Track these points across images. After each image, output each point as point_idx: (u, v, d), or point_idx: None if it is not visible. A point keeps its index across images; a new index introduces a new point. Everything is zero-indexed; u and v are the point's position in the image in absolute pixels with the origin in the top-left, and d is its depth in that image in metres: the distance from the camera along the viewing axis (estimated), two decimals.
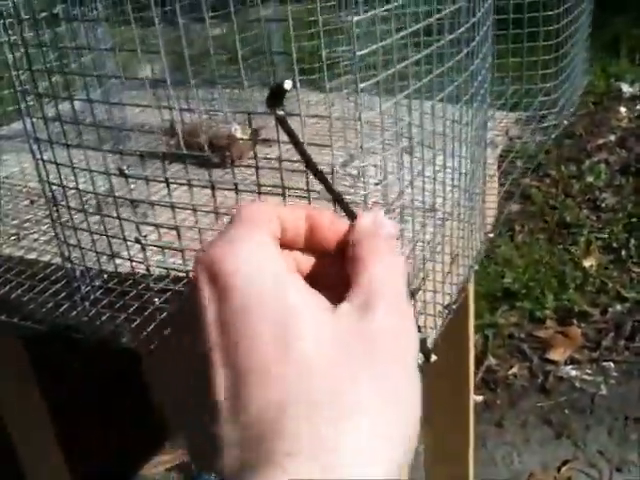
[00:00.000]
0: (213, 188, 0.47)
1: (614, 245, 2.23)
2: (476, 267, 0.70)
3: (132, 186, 0.51)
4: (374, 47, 0.39)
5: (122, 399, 1.52)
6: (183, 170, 0.48)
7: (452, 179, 0.55)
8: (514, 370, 1.82)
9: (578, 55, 0.91)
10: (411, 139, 0.49)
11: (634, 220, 2.33)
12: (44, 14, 0.48)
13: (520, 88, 0.81)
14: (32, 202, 0.85)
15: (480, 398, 1.73)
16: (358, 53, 0.37)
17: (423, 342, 0.51)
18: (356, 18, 0.37)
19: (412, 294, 0.54)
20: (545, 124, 0.81)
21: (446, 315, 0.62)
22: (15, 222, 0.79)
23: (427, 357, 0.52)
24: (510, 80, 0.80)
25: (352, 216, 0.34)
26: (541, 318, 1.96)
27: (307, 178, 0.40)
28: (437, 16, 0.44)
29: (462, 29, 0.46)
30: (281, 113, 0.34)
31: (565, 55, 0.81)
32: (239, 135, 0.83)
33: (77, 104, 0.49)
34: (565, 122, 0.83)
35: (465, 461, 1.30)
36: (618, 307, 1.98)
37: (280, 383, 0.26)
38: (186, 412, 0.29)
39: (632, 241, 2.23)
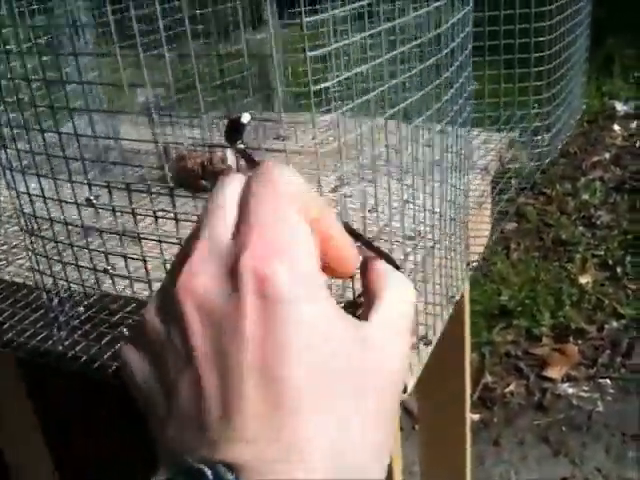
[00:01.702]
0: (177, 220, 0.48)
1: (610, 262, 2.24)
2: (457, 297, 0.68)
3: (119, 215, 0.52)
4: (328, 49, 0.40)
5: (117, 407, 1.52)
6: (180, 198, 0.49)
7: (423, 205, 0.55)
8: (511, 388, 1.82)
9: (574, 80, 0.92)
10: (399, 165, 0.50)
11: (629, 237, 2.35)
12: (28, 44, 0.49)
13: (512, 114, 0.82)
14: (21, 228, 0.86)
15: (477, 416, 1.73)
16: (309, 54, 0.38)
17: None
18: (307, 19, 0.37)
19: None
20: (538, 150, 0.82)
21: (424, 346, 0.62)
22: (4, 247, 0.80)
23: (404, 386, 0.52)
24: (503, 105, 0.82)
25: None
26: (537, 335, 1.97)
27: None
28: (413, 43, 0.45)
29: (438, 56, 0.47)
30: (241, 147, 0.33)
31: (558, 81, 0.82)
32: (230, 160, 0.83)
33: (67, 129, 0.49)
34: (559, 146, 0.84)
35: None
36: (614, 324, 1.98)
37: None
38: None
39: (628, 258, 2.24)
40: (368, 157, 0.47)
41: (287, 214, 0.28)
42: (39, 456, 1.16)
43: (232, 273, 0.27)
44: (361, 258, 0.33)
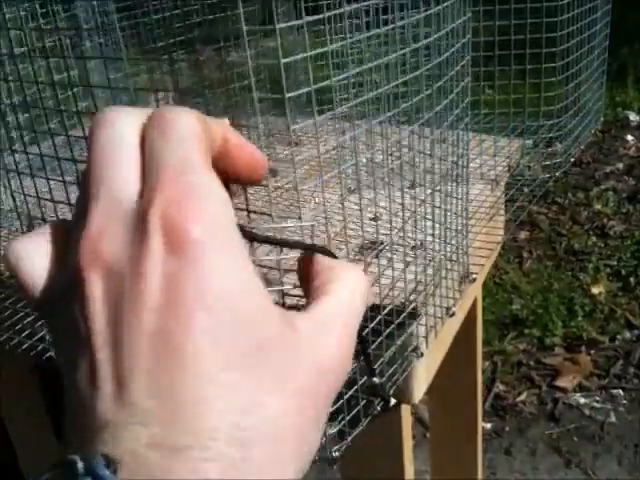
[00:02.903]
0: None
1: (622, 272, 2.23)
2: (454, 310, 0.64)
3: None
4: (299, 56, 0.40)
5: None
6: None
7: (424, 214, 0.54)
8: (523, 397, 1.81)
9: (590, 91, 0.92)
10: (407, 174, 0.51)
11: None
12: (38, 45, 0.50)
13: (524, 124, 0.82)
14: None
15: (488, 425, 1.72)
16: (283, 60, 0.38)
17: (381, 387, 0.51)
18: (279, 25, 0.38)
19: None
20: (549, 162, 0.82)
21: (417, 356, 0.61)
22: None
23: (386, 401, 0.53)
24: (513, 116, 0.82)
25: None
26: (550, 345, 1.96)
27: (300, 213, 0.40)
28: (407, 49, 0.45)
29: (429, 65, 0.48)
30: None
31: (572, 91, 0.81)
32: None
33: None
34: (573, 158, 0.84)
35: None
36: (627, 334, 1.97)
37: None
38: None
39: None
40: (367, 165, 0.48)
41: (195, 160, 0.24)
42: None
43: (140, 228, 0.23)
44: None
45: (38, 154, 0.50)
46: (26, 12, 0.48)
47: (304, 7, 0.40)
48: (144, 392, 0.21)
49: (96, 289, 0.23)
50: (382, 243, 0.61)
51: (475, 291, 1.04)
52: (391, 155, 0.51)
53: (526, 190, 0.87)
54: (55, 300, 0.24)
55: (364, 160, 0.47)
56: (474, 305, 1.13)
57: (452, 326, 0.82)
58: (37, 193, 0.53)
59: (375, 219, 0.59)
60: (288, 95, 0.36)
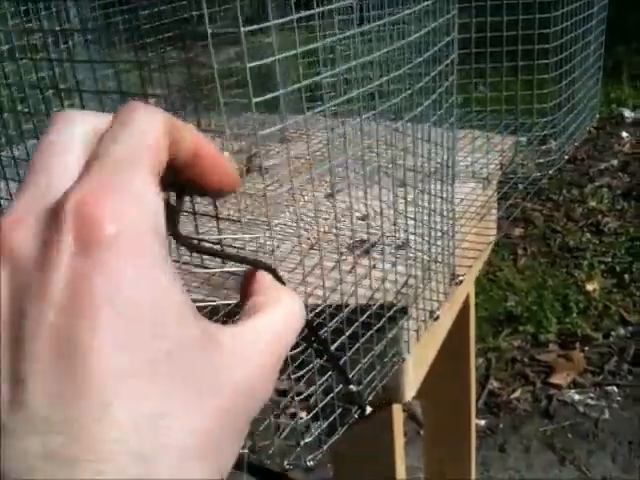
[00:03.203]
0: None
1: (617, 269, 2.23)
2: (438, 314, 0.63)
3: None
4: (268, 60, 0.39)
5: None
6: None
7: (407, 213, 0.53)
8: (517, 394, 1.81)
9: (585, 88, 0.91)
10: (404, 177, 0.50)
11: (637, 244, 2.34)
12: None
13: (516, 122, 0.82)
14: None
15: (482, 422, 1.72)
16: (248, 65, 0.38)
17: (358, 395, 0.50)
18: (244, 29, 0.37)
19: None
20: (542, 160, 0.82)
21: (399, 362, 0.60)
22: None
23: (362, 409, 0.51)
24: (505, 113, 0.81)
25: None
26: (544, 342, 1.96)
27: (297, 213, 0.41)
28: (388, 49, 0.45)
29: (415, 62, 0.47)
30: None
31: (565, 89, 0.81)
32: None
33: None
34: (567, 155, 0.83)
35: None
36: (621, 331, 1.97)
37: None
38: None
39: (635, 265, 2.23)
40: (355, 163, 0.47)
41: (138, 161, 0.23)
42: None
43: (54, 218, 0.21)
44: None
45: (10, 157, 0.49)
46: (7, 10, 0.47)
47: (294, 3, 0.39)
48: (41, 395, 0.20)
49: (2, 283, 0.21)
50: (368, 242, 0.61)
51: (467, 288, 1.03)
52: (378, 155, 0.50)
53: (520, 187, 0.87)
54: None
55: (349, 160, 0.46)
56: (467, 301, 1.12)
57: (444, 323, 0.82)
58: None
59: (363, 218, 0.59)
60: (255, 100, 0.35)
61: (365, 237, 0.56)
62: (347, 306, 0.48)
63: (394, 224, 0.51)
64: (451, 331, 0.88)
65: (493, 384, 1.84)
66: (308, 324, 0.33)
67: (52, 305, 0.20)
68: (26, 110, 0.50)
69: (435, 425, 1.30)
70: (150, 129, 0.24)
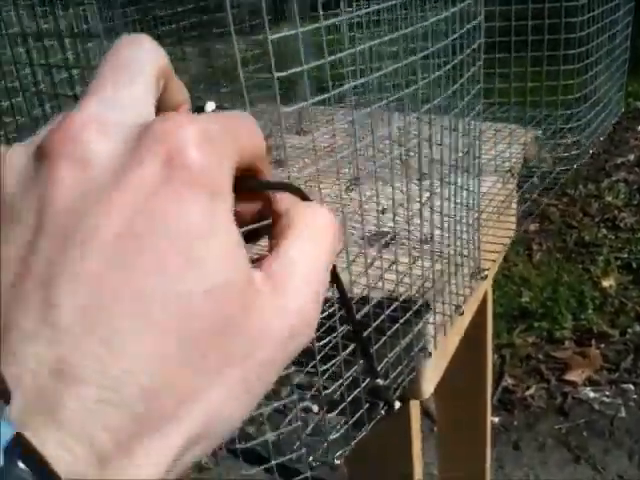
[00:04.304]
0: None
1: (633, 265, 2.21)
2: (463, 308, 0.62)
3: None
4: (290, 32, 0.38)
5: None
6: None
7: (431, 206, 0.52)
8: (531, 391, 1.79)
9: (610, 80, 0.89)
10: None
11: None
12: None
13: (540, 114, 0.80)
14: None
15: (497, 419, 1.70)
16: (270, 37, 0.36)
17: (386, 389, 0.49)
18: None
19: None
20: (566, 153, 0.80)
21: (425, 357, 0.59)
22: None
23: (390, 405, 0.50)
24: (530, 105, 0.79)
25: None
26: (559, 338, 1.94)
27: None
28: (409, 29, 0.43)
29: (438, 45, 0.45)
30: None
31: (592, 80, 0.79)
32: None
33: None
34: (592, 149, 0.81)
35: None
36: (638, 328, 1.95)
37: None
38: None
39: None
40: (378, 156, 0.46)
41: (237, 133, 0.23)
42: None
43: (137, 136, 0.20)
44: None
45: None
46: None
47: None
48: (71, 309, 0.18)
49: (66, 177, 0.20)
50: (389, 235, 0.59)
51: (486, 285, 1.02)
52: (401, 146, 0.49)
53: (536, 181, 0.85)
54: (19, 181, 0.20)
55: (369, 150, 0.45)
56: (484, 299, 1.11)
57: (463, 320, 0.80)
58: None
59: (383, 211, 0.57)
60: (277, 75, 0.33)
61: (386, 230, 0.55)
62: (372, 300, 0.47)
63: (418, 217, 0.50)
64: (468, 328, 0.87)
65: (507, 381, 1.83)
66: (346, 304, 0.32)
67: (113, 217, 0.19)
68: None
69: (449, 422, 1.29)
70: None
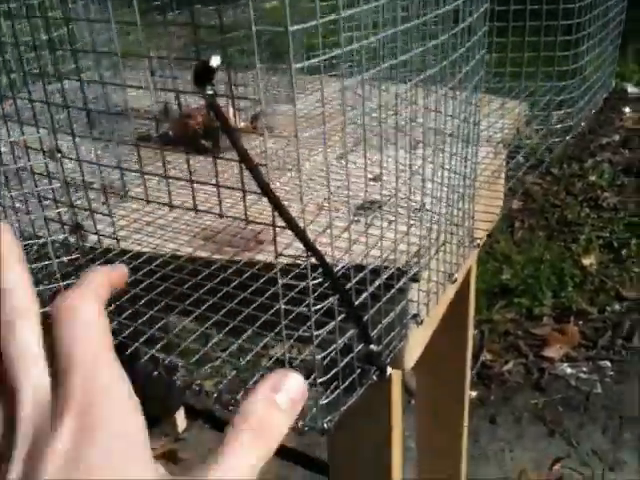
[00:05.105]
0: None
1: (614, 244, 2.22)
2: (456, 276, 0.63)
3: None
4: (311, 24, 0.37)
5: None
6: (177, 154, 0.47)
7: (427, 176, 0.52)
8: (509, 366, 1.81)
9: (605, 53, 0.88)
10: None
11: (635, 219, 2.33)
12: None
13: (535, 85, 0.78)
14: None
15: (474, 394, 1.72)
16: (291, 28, 0.35)
17: (378, 355, 0.48)
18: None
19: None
20: (559, 125, 0.79)
21: (417, 323, 0.59)
22: None
23: (382, 370, 0.50)
24: (525, 76, 0.78)
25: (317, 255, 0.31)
26: (538, 315, 1.96)
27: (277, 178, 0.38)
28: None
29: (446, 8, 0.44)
30: (210, 92, 0.31)
31: (588, 51, 0.78)
32: (232, 120, 0.81)
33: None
34: (582, 124, 0.80)
35: (458, 456, 1.30)
36: (616, 306, 1.97)
37: None
38: None
39: (633, 240, 2.22)
40: (376, 123, 0.44)
41: (99, 349, 0.28)
42: None
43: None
44: None
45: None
46: None
47: None
48: None
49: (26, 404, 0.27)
50: (378, 204, 0.58)
51: (471, 259, 1.01)
52: (396, 114, 0.48)
53: (521, 160, 0.84)
54: None
55: (364, 118, 0.43)
56: (468, 273, 1.11)
57: (447, 293, 0.80)
58: None
59: (375, 179, 0.56)
60: (292, 28, 0.32)
61: (378, 198, 0.54)
62: (364, 267, 0.46)
63: (415, 186, 0.49)
64: (452, 302, 0.86)
65: (486, 356, 1.84)
66: (332, 278, 0.32)
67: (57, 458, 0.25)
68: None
69: (428, 395, 1.30)
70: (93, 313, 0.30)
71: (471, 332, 1.22)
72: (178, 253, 0.60)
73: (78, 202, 0.56)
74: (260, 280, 0.54)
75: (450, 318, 0.95)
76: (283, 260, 0.53)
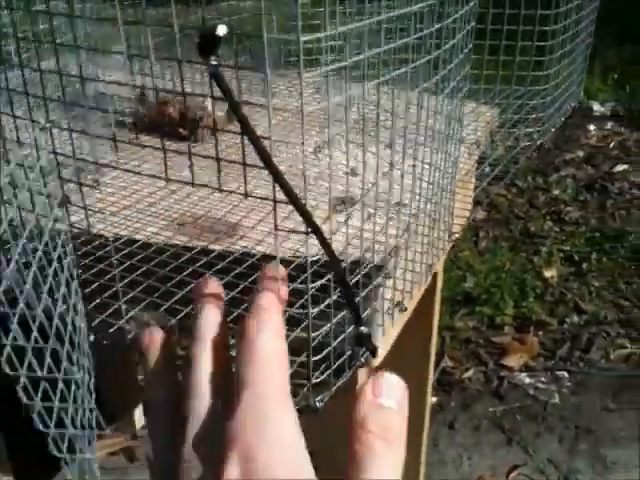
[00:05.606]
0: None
1: (575, 258, 2.26)
2: (436, 267, 0.66)
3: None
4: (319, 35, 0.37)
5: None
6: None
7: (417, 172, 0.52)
8: (469, 374, 1.83)
9: (576, 61, 0.90)
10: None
11: (596, 235, 2.37)
12: None
13: (510, 89, 0.79)
14: None
15: (434, 399, 1.73)
16: (302, 39, 0.35)
17: (368, 337, 0.49)
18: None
19: None
20: (531, 129, 0.80)
21: (399, 312, 0.61)
22: None
23: (373, 352, 0.51)
24: (501, 79, 0.79)
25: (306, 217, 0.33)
26: (499, 324, 1.98)
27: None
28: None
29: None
30: (214, 63, 0.30)
31: (562, 58, 0.79)
32: (210, 108, 0.80)
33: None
34: (552, 129, 0.82)
35: (417, 461, 1.30)
36: (575, 318, 2.00)
37: None
38: None
39: (593, 255, 2.26)
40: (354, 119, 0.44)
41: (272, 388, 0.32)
42: None
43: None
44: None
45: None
46: None
47: None
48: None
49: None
50: (352, 199, 0.58)
51: (440, 262, 1.02)
52: (373, 108, 0.48)
53: (487, 170, 0.85)
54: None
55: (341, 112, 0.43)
56: (434, 278, 1.11)
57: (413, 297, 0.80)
58: None
59: (354, 174, 0.56)
60: (303, 38, 0.32)
61: (354, 192, 0.54)
62: (350, 255, 0.47)
63: (391, 179, 0.49)
64: (416, 308, 0.86)
65: (447, 362, 1.85)
66: (330, 254, 0.33)
67: None
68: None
69: None
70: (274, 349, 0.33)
71: (435, 338, 1.22)
72: (174, 241, 0.60)
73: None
74: (244, 264, 0.53)
75: (415, 323, 0.95)
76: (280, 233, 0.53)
